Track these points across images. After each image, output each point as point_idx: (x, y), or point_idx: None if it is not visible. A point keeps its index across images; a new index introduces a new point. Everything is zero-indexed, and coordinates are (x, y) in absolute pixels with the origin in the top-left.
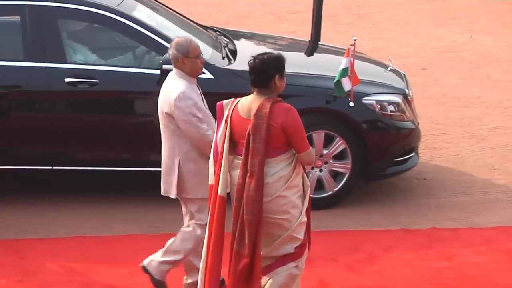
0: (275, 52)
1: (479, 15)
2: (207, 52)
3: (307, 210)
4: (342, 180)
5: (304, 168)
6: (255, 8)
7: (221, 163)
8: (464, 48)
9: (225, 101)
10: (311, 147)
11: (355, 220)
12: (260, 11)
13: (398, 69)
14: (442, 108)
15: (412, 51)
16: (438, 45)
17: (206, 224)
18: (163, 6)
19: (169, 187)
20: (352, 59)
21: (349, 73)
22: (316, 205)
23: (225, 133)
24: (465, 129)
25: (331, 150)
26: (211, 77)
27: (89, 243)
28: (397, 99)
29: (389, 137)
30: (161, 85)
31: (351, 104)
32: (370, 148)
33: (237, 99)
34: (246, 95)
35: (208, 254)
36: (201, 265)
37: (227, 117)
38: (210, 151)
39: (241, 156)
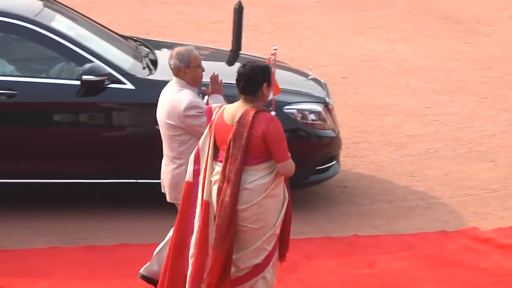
0: (262, 62)
1: (397, 25)
2: (128, 62)
3: (287, 219)
4: None
5: (286, 180)
6: (176, 18)
7: (206, 168)
8: (383, 57)
9: (213, 105)
10: (291, 158)
11: None
12: (181, 21)
13: (318, 78)
14: (363, 117)
15: (332, 60)
16: (358, 54)
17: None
18: (82, 17)
19: (178, 195)
20: (273, 69)
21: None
22: None
23: (209, 138)
24: (385, 137)
25: None
26: (132, 87)
27: (8, 257)
28: (318, 107)
29: (310, 146)
30: (81, 96)
31: (273, 113)
32: (292, 156)
33: (224, 105)
34: None
35: (194, 256)
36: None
37: (211, 122)
38: None
39: (221, 162)
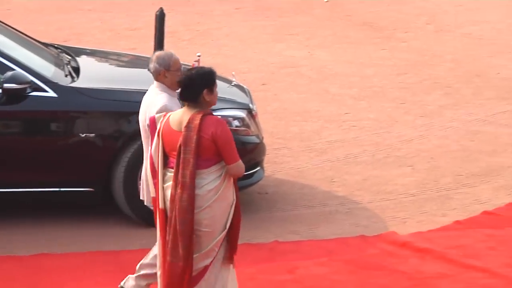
0: (207, 67)
1: (316, 31)
2: (49, 69)
3: (235, 221)
4: None
5: (234, 181)
6: (93, 25)
7: (158, 176)
8: (302, 63)
9: (156, 115)
10: (240, 160)
11: None
12: (99, 28)
13: (241, 84)
14: (283, 123)
15: (252, 66)
16: (277, 61)
17: None
18: (2, 24)
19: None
20: None
21: None
22: None
23: (158, 146)
24: (305, 143)
25: None
26: (54, 95)
27: None
28: (241, 114)
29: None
30: (3, 104)
31: None
32: None
33: (169, 113)
34: (91, 113)
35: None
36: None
37: (158, 130)
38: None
39: (173, 168)
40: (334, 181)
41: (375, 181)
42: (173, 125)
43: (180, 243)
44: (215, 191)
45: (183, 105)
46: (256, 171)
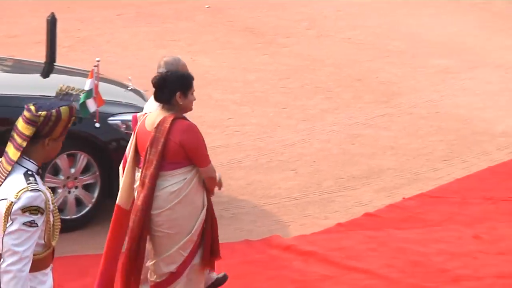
0: (185, 71)
1: (198, 37)
2: None
3: (213, 227)
4: (86, 208)
5: (206, 187)
6: None
7: (124, 173)
8: None
9: (139, 114)
10: (211, 163)
11: (83, 245)
12: None
13: (137, 88)
14: None
15: (134, 73)
16: None
17: None
18: None
19: None
20: (96, 81)
21: (94, 94)
22: (70, 226)
23: (131, 145)
24: None
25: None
26: None
27: None
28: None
29: None
30: None
31: (97, 125)
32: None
33: (148, 113)
34: None
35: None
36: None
37: (134, 129)
38: None
39: (141, 168)
40: None
41: (259, 185)
42: (147, 125)
43: (129, 238)
44: (177, 194)
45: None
46: None
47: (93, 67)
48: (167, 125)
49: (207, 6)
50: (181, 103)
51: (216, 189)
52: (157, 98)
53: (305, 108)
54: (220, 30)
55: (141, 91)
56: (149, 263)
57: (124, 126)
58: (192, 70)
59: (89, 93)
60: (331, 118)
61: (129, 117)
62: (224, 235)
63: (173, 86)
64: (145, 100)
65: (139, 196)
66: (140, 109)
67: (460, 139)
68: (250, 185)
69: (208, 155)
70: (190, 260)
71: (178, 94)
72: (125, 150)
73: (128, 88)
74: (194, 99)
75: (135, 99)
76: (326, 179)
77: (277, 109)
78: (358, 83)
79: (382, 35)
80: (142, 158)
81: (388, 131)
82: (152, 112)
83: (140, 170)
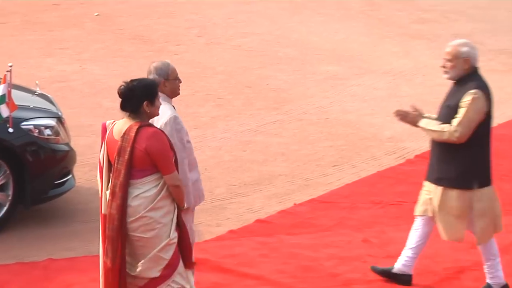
0: (149, 79)
1: (87, 45)
2: None
3: (183, 228)
4: (3, 208)
5: (173, 195)
6: None
7: (102, 183)
8: (74, 77)
9: (107, 122)
10: (176, 171)
11: None
12: None
13: (45, 93)
14: None
15: (21, 82)
16: (47, 75)
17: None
18: None
19: None
20: (9, 86)
21: (6, 100)
22: None
23: (103, 153)
24: (79, 157)
25: None
26: None
27: None
28: (52, 122)
29: (48, 160)
30: None
31: (10, 130)
32: (31, 172)
33: (116, 121)
34: None
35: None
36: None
37: (104, 137)
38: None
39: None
40: None
41: None
42: (115, 134)
43: (109, 247)
44: (149, 200)
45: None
46: (68, 179)
47: (6, 72)
48: (133, 133)
49: (96, 13)
50: (148, 111)
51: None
52: (124, 107)
53: (196, 116)
54: (109, 38)
55: (49, 95)
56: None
57: (37, 131)
58: (81, 78)
59: (1, 99)
60: (222, 125)
61: (41, 121)
62: None
63: (140, 96)
64: (54, 104)
65: (111, 205)
66: (50, 113)
67: (349, 145)
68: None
69: (173, 162)
70: (176, 263)
71: (145, 103)
72: (37, 155)
73: (35, 93)
74: (160, 105)
75: (46, 104)
76: (218, 186)
77: None
78: (249, 90)
79: (273, 42)
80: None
81: (279, 138)
82: (120, 121)
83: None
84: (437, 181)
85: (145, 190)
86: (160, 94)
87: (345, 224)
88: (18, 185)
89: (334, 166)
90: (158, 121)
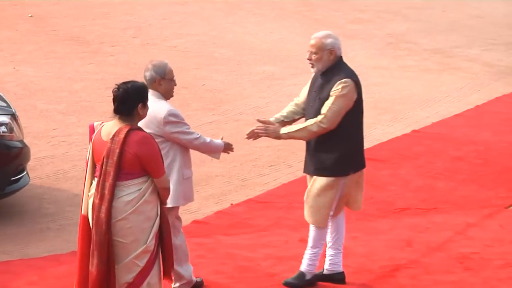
0: (139, 81)
1: (21, 46)
2: None
3: (166, 237)
4: None
5: (160, 198)
6: None
7: (85, 183)
8: (7, 79)
9: (95, 123)
10: (165, 173)
11: None
12: None
13: None
14: None
15: None
16: None
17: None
18: None
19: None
20: None
21: None
22: None
23: (88, 154)
24: None
25: None
26: None
27: None
28: (6, 119)
29: (4, 157)
30: None
31: None
32: None
33: (104, 122)
34: None
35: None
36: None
37: (91, 138)
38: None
39: (97, 177)
40: (44, 198)
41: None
42: (103, 135)
43: (96, 253)
44: (132, 203)
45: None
46: (23, 176)
47: None
48: (122, 136)
49: (30, 15)
50: (141, 113)
51: (42, 201)
52: (118, 111)
53: None
54: (43, 40)
55: (1, 94)
56: None
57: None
58: (15, 80)
59: None
60: None
61: (2, 118)
62: (51, 246)
63: (136, 98)
64: (6, 101)
65: (99, 208)
66: (4, 110)
67: (286, 145)
68: (78, 196)
69: (162, 165)
70: (148, 271)
71: (140, 105)
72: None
73: None
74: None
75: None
76: None
77: (104, 118)
78: (185, 91)
79: (208, 42)
80: (98, 168)
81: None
82: (109, 122)
83: (96, 179)
84: (314, 171)
85: (128, 193)
86: (154, 92)
87: (282, 224)
88: None
89: (271, 166)
90: (156, 117)
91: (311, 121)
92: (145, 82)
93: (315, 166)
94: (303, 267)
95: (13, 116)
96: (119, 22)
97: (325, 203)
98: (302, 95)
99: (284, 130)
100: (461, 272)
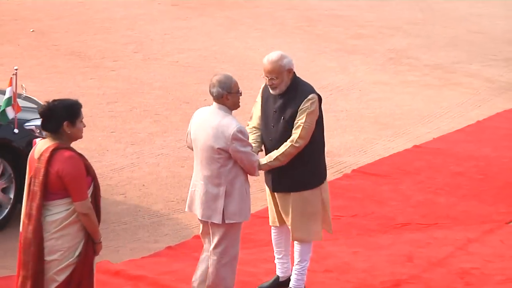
0: (72, 99)
1: (23, 61)
2: None
3: (88, 258)
4: (5, 210)
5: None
6: None
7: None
8: None
9: (38, 139)
10: (87, 198)
11: None
12: None
13: (30, 96)
14: None
15: None
16: None
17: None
18: None
19: (213, 213)
20: (14, 88)
21: (12, 102)
22: None
23: (27, 172)
24: None
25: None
26: None
27: None
28: None
29: None
30: None
31: (16, 130)
32: None
33: (41, 139)
34: None
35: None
36: None
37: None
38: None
39: (25, 197)
40: None
41: None
42: (35, 153)
43: (21, 272)
44: (57, 224)
45: None
46: None
47: (12, 75)
48: (47, 154)
49: (32, 29)
50: (69, 132)
51: None
52: (44, 127)
53: (133, 132)
54: (45, 54)
55: (34, 98)
56: None
57: (38, 130)
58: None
59: (9, 101)
60: (160, 141)
61: (39, 122)
62: None
63: (60, 116)
64: (41, 105)
65: (27, 228)
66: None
67: None
68: None
69: (85, 189)
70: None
71: (65, 123)
72: None
73: (22, 96)
74: (84, 126)
75: (38, 105)
76: (155, 203)
77: (105, 133)
78: (186, 106)
79: (210, 57)
80: (26, 186)
81: None
82: (42, 140)
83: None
84: (292, 188)
85: (55, 213)
86: (221, 106)
87: None
88: (18, 186)
89: None
90: (224, 132)
91: (287, 145)
92: (212, 97)
93: (291, 182)
94: (292, 284)
95: None
96: (121, 37)
97: (315, 215)
98: (255, 119)
99: (262, 161)
100: None
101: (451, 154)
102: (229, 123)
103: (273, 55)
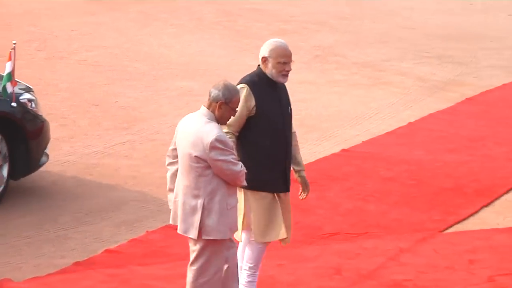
0: None
1: None
2: None
3: None
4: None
5: None
6: None
7: None
8: None
9: None
10: None
11: None
12: None
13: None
14: None
15: None
16: None
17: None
18: None
19: (190, 227)
20: (12, 62)
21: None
22: None
23: None
24: None
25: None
26: None
27: None
28: (33, 96)
29: (42, 131)
30: None
31: (14, 104)
32: (31, 142)
33: None
34: None
35: None
36: None
37: None
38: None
39: None
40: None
41: None
42: None
43: None
44: None
45: None
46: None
47: (11, 50)
48: None
49: None
50: None
51: None
52: None
53: None
54: None
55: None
56: None
57: (29, 104)
58: None
59: (9, 76)
60: (66, 147)
61: (28, 95)
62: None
63: None
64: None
65: None
66: (27, 88)
67: None
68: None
69: None
70: None
71: None
72: (35, 126)
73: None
74: None
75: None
76: (61, 215)
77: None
78: (95, 109)
79: (121, 56)
80: None
81: (130, 160)
82: None
83: None
84: (288, 188)
85: None
86: (208, 112)
87: None
88: (11, 162)
89: None
90: (203, 140)
91: (295, 138)
92: (208, 98)
93: (288, 182)
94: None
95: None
96: (22, 33)
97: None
98: (235, 124)
99: (300, 168)
100: None
101: (381, 158)
102: (210, 130)
103: (283, 40)
